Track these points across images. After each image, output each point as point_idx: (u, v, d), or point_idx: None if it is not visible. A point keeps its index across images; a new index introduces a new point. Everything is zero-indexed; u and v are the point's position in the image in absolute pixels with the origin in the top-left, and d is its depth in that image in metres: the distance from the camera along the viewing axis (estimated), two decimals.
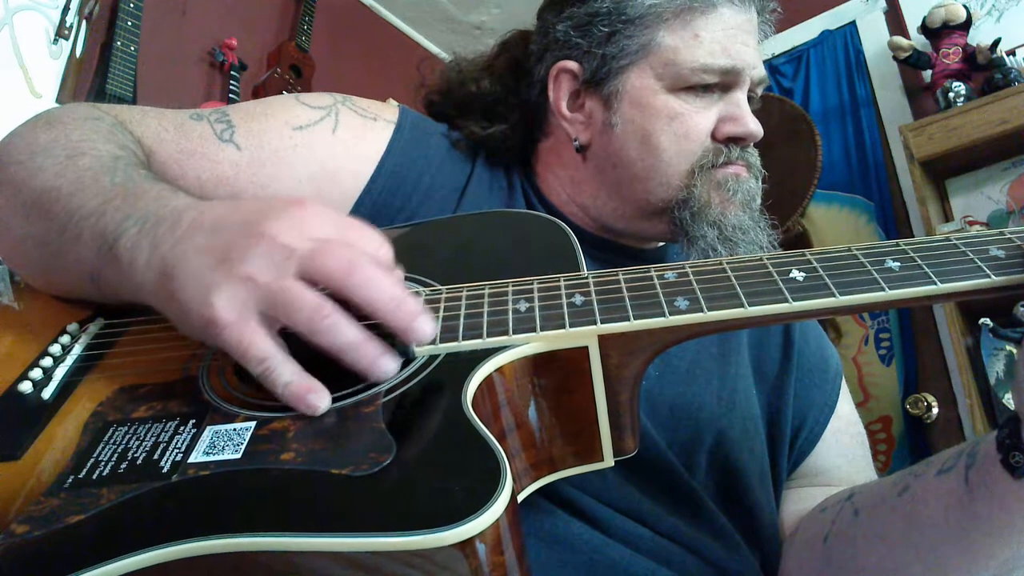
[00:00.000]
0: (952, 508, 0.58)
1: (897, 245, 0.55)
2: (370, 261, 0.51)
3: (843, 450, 0.89)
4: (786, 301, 0.52)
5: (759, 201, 0.86)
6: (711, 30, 0.82)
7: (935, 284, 0.51)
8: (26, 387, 0.57)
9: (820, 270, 0.54)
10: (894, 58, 2.51)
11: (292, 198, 0.54)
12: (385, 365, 0.51)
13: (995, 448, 0.53)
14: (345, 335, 0.50)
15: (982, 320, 2.06)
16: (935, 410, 2.31)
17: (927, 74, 2.50)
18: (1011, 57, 2.29)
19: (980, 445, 0.57)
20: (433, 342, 0.54)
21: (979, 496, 0.55)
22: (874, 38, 2.69)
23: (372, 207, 0.81)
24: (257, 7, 2.76)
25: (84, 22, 2.10)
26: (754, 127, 0.83)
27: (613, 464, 0.58)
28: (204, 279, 0.50)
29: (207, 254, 0.51)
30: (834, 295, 0.52)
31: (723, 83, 0.83)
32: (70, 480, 0.47)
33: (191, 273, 0.51)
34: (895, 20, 2.67)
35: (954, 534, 0.59)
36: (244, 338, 0.49)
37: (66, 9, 2.07)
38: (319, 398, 0.50)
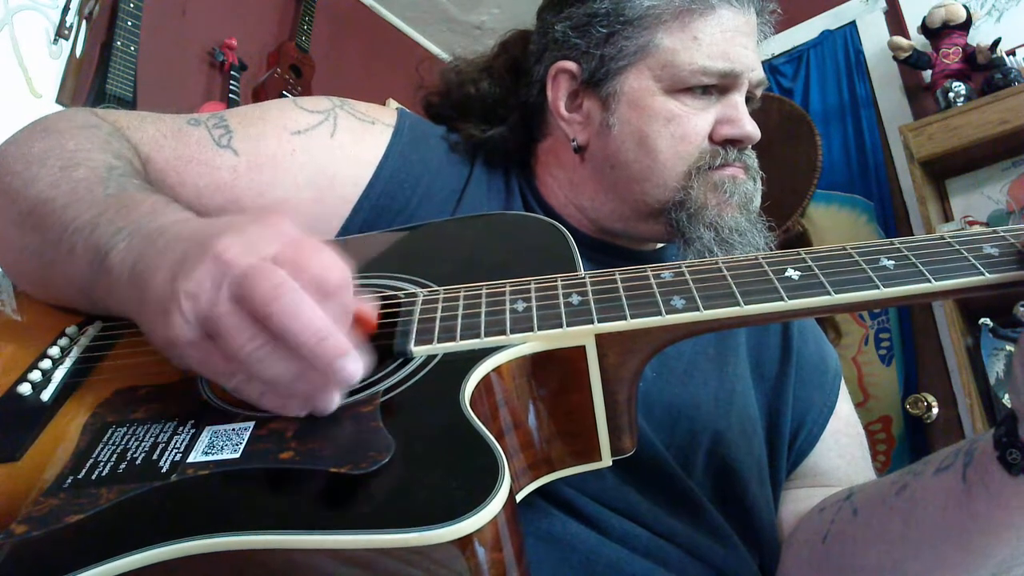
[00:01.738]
0: (950, 506, 0.58)
1: (892, 243, 0.55)
2: (308, 288, 0.46)
3: (842, 451, 0.89)
4: (781, 299, 0.53)
5: (757, 203, 0.86)
6: (710, 32, 0.82)
7: (930, 282, 0.51)
8: (25, 389, 0.57)
9: (815, 269, 0.54)
10: (894, 58, 2.51)
11: (266, 213, 0.52)
12: (321, 404, 0.49)
13: (992, 446, 0.54)
14: (271, 371, 0.47)
15: (982, 320, 2.06)
16: (935, 410, 2.31)
17: (927, 74, 2.50)
18: (1011, 57, 2.29)
19: (978, 443, 0.57)
20: (431, 342, 0.54)
21: (977, 494, 0.56)
22: (874, 38, 2.69)
23: (371, 210, 0.81)
24: (257, 7, 2.76)
25: (84, 22, 2.11)
26: (751, 129, 0.83)
27: (611, 464, 0.58)
28: (162, 296, 0.48)
29: (168, 270, 0.49)
30: (829, 293, 0.52)
31: (721, 85, 0.83)
32: (69, 480, 0.47)
33: (154, 288, 0.49)
34: (895, 20, 2.67)
35: (952, 532, 0.59)
36: (204, 357, 0.48)
37: (66, 9, 2.07)
38: (298, 407, 0.49)
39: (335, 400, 0.49)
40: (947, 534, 0.60)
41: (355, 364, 0.47)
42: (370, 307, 0.53)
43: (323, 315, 0.46)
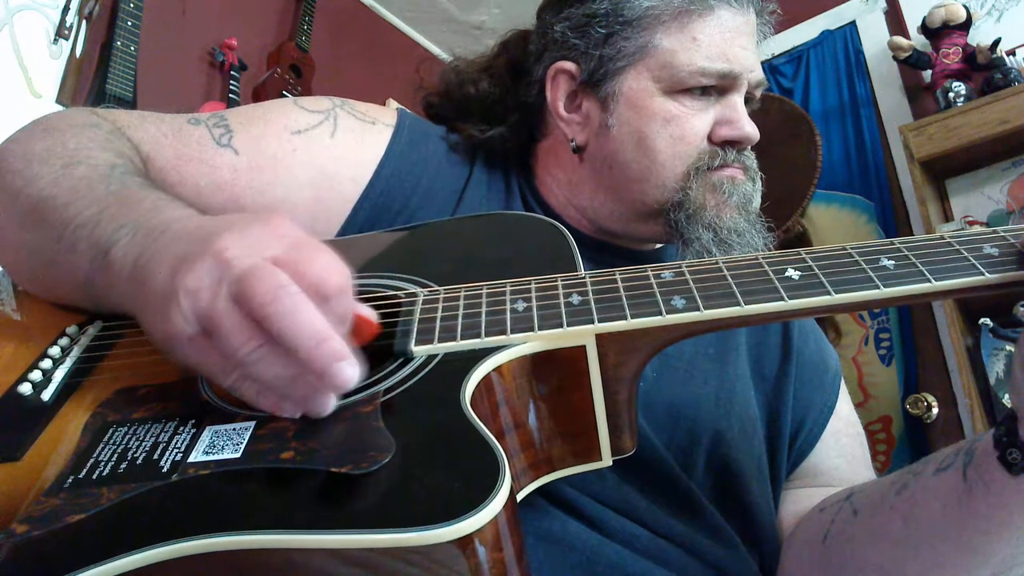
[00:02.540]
0: (950, 506, 0.58)
1: (892, 243, 0.55)
2: (307, 291, 0.46)
3: (842, 451, 0.89)
4: (782, 299, 0.53)
5: (756, 204, 0.86)
6: (709, 33, 0.82)
7: (930, 282, 0.51)
8: (26, 389, 0.57)
9: (815, 268, 0.54)
10: (894, 58, 2.51)
11: (268, 213, 0.52)
12: (316, 407, 0.48)
13: (993, 445, 0.54)
14: (268, 373, 0.47)
15: (982, 320, 2.06)
16: (935, 410, 2.31)
17: (927, 74, 2.50)
18: (1011, 57, 2.29)
19: (978, 443, 0.57)
20: (431, 342, 0.54)
21: (977, 493, 0.56)
22: (874, 38, 2.69)
23: (371, 210, 0.81)
24: (257, 7, 2.76)
25: (84, 22, 2.11)
26: (750, 130, 0.83)
27: (611, 464, 0.58)
28: (163, 290, 0.48)
29: (169, 265, 0.49)
30: (829, 293, 0.52)
31: (720, 86, 0.83)
32: (70, 480, 0.47)
33: (154, 284, 0.50)
34: (895, 20, 2.67)
35: (952, 532, 0.59)
36: (203, 355, 0.48)
37: (66, 9, 2.07)
38: (294, 408, 0.49)
39: (330, 404, 0.49)
40: (947, 533, 0.60)
41: (352, 369, 0.46)
42: (369, 311, 0.53)
43: (321, 318, 0.46)
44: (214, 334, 0.46)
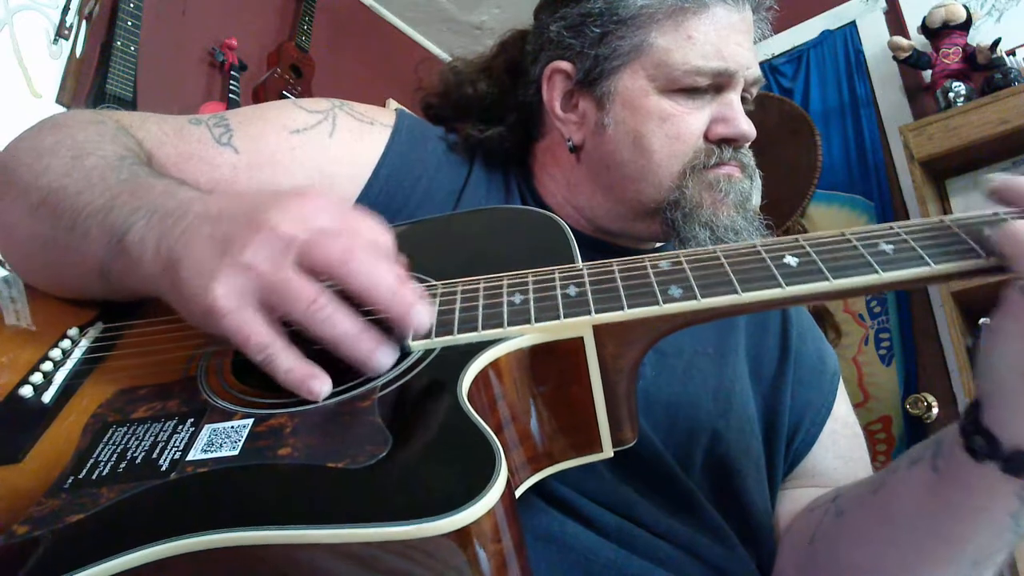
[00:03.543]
0: (924, 498, 0.60)
1: (891, 228, 0.54)
2: (369, 249, 0.51)
3: (840, 451, 0.89)
4: (779, 286, 0.52)
5: (755, 202, 0.85)
6: (704, 31, 0.81)
7: (929, 266, 0.50)
8: (27, 391, 0.57)
9: (813, 255, 0.53)
10: (894, 58, 2.51)
11: (297, 190, 0.54)
12: (381, 358, 0.51)
13: (959, 434, 0.55)
14: (340, 327, 0.50)
15: (982, 320, 2.05)
16: (935, 410, 2.31)
17: (927, 74, 2.50)
18: (1011, 57, 2.29)
19: (946, 434, 0.58)
20: (429, 336, 0.54)
21: (947, 483, 0.57)
22: (874, 38, 2.69)
23: (370, 209, 0.81)
24: (257, 7, 2.77)
25: (84, 22, 2.11)
26: (746, 128, 0.83)
27: (612, 455, 0.58)
28: (205, 268, 0.51)
29: (209, 243, 0.51)
30: (828, 279, 0.51)
31: (716, 84, 0.82)
32: (70, 480, 0.47)
33: (193, 262, 0.51)
34: (895, 20, 2.67)
35: (929, 523, 0.60)
36: (244, 327, 0.50)
37: (66, 9, 2.07)
38: (320, 383, 0.50)
39: (392, 357, 0.52)
40: (924, 525, 0.61)
41: (427, 311, 0.52)
42: (401, 260, 0.56)
43: (392, 272, 0.51)
44: (281, 300, 0.50)
